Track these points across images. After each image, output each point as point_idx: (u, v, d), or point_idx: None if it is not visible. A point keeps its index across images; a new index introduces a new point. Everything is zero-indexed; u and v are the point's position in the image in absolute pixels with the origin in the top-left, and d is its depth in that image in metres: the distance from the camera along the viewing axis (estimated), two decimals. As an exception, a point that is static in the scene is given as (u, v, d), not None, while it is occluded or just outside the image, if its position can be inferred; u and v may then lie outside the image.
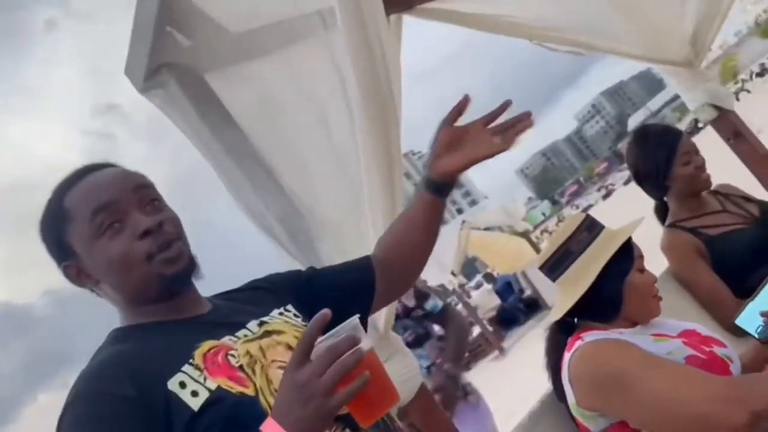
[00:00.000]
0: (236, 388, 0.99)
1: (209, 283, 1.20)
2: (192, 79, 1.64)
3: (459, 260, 10.85)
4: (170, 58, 1.62)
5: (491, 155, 1.25)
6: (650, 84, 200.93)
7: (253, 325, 1.10)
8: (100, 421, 0.94)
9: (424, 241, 1.34)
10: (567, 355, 1.49)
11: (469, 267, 19.70)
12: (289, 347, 1.08)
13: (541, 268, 1.65)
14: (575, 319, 1.60)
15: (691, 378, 1.35)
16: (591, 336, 1.49)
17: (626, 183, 41.11)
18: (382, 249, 1.35)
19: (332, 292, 1.26)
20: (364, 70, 1.52)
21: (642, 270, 1.57)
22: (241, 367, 1.01)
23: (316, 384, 0.84)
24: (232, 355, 1.03)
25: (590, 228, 1.61)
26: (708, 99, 2.91)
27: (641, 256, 1.59)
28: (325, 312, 0.89)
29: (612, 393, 1.39)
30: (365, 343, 0.90)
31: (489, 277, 15.70)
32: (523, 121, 1.24)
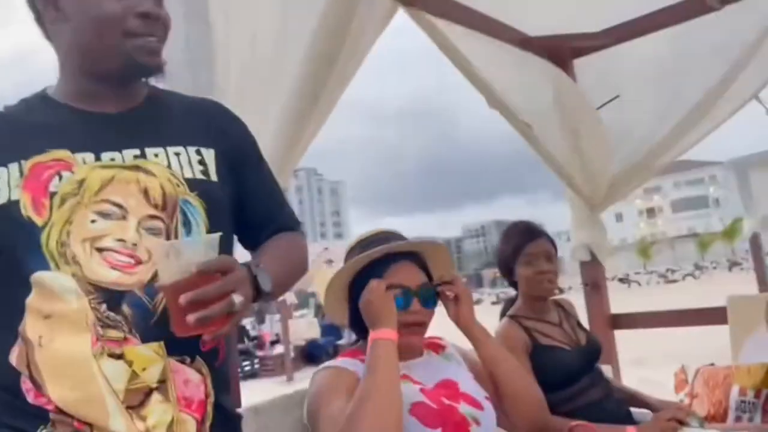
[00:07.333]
0: (28, 212, 0.95)
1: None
2: None
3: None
4: None
5: None
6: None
7: (131, 152, 1.02)
8: None
9: None
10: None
11: (304, 298, 18.72)
12: (145, 192, 1.01)
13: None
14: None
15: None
16: (331, 363, 1.52)
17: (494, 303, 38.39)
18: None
19: (238, 204, 1.18)
20: (332, 32, 1.68)
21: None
22: (53, 194, 0.96)
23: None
24: (61, 176, 0.97)
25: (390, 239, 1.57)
26: (592, 242, 3.06)
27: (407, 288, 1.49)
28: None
29: (311, 421, 1.44)
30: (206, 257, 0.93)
31: (321, 310, 14.50)
32: None
